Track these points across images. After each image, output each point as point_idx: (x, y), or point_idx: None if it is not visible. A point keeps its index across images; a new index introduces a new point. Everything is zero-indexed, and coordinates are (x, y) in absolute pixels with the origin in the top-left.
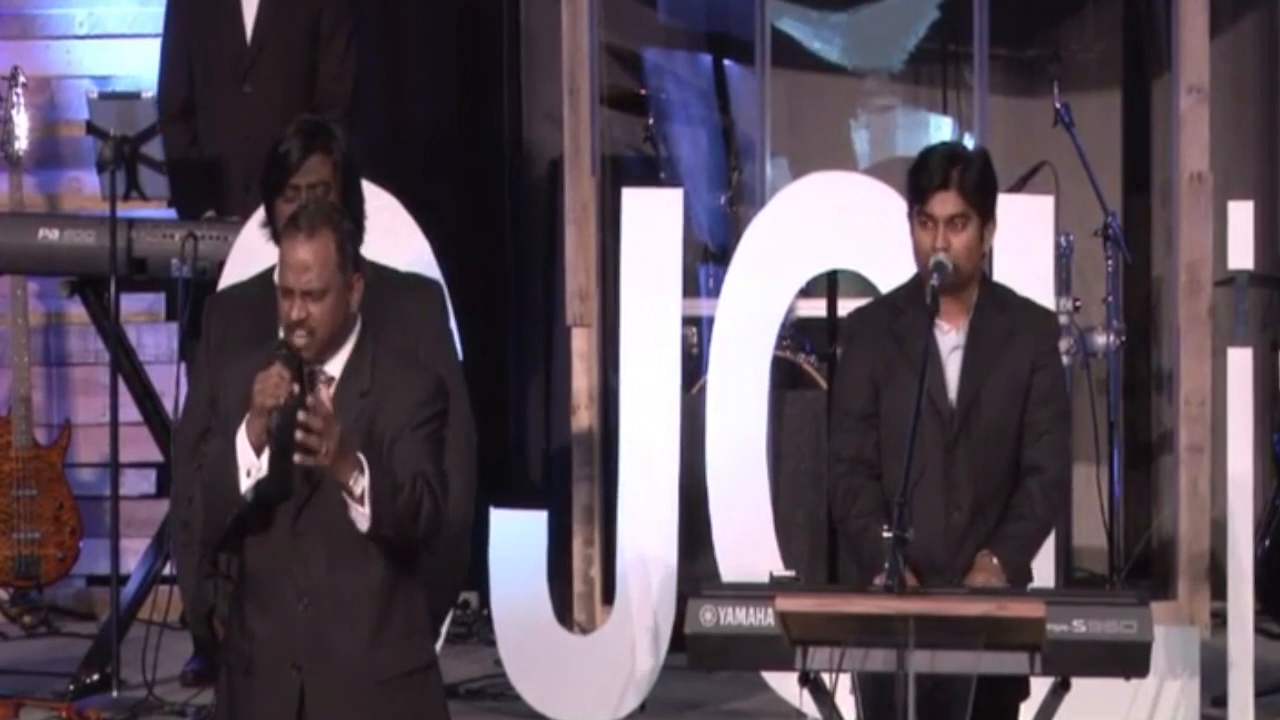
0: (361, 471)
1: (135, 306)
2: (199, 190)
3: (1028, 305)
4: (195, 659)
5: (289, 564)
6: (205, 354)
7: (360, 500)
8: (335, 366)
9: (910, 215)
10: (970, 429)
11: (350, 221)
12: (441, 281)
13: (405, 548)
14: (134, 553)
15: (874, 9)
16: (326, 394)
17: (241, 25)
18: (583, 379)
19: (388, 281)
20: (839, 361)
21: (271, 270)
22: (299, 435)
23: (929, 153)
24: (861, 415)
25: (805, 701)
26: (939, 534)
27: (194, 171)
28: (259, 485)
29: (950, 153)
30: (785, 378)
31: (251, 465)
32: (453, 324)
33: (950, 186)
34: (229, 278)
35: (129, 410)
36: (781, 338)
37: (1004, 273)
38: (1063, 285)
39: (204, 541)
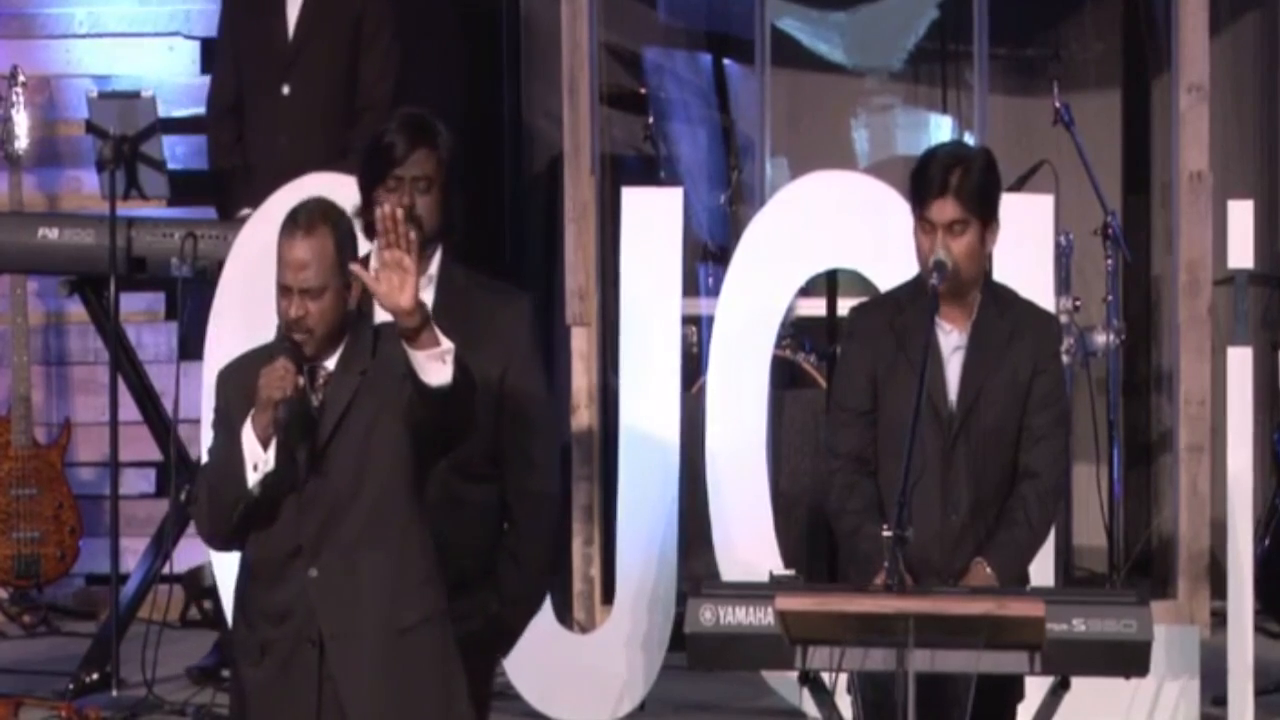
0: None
1: (135, 306)
2: (237, 189)
3: (1030, 308)
4: (212, 654)
5: (296, 540)
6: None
7: (442, 359)
8: (332, 362)
9: (914, 217)
10: (969, 431)
11: (447, 222)
12: (529, 296)
13: (445, 432)
14: (133, 552)
15: (874, 9)
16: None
17: (284, 26)
18: (582, 378)
19: (480, 290)
20: (839, 357)
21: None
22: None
23: (930, 157)
24: (859, 412)
25: (805, 701)
26: (936, 536)
27: (234, 170)
28: (265, 479)
29: (951, 158)
30: (785, 377)
31: (258, 459)
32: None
33: (948, 193)
34: (229, 277)
35: (128, 409)
36: (781, 337)
37: (1003, 272)
38: (1062, 284)
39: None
